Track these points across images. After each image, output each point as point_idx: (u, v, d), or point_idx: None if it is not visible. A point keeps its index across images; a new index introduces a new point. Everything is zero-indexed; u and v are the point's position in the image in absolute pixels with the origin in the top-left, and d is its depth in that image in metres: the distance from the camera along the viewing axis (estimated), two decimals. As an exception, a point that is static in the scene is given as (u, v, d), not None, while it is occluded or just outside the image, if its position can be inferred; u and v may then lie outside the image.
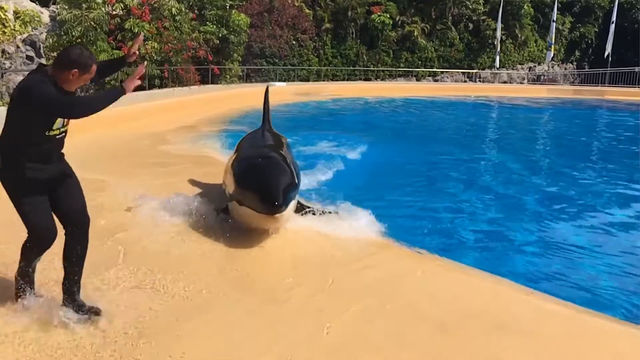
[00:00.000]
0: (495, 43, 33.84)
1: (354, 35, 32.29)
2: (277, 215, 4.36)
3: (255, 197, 4.44)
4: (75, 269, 3.26)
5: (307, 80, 30.48)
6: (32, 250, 3.17)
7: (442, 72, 34.28)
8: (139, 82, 3.21)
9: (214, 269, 4.15)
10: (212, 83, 22.16)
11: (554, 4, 33.77)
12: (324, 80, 30.85)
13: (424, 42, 33.31)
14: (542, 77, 36.60)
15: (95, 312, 3.24)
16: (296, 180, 4.92)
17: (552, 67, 37.81)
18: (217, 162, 8.73)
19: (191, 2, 21.40)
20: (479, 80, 34.58)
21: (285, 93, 23.44)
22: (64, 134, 3.15)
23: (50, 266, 3.55)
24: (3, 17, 17.19)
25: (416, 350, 3.08)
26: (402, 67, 33.22)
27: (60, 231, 3.23)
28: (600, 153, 12.78)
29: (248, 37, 26.06)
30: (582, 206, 7.39)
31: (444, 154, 11.14)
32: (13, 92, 3.07)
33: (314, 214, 5.16)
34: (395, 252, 4.68)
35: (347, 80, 31.77)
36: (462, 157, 10.89)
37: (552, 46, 33.97)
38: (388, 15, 31.80)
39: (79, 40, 15.66)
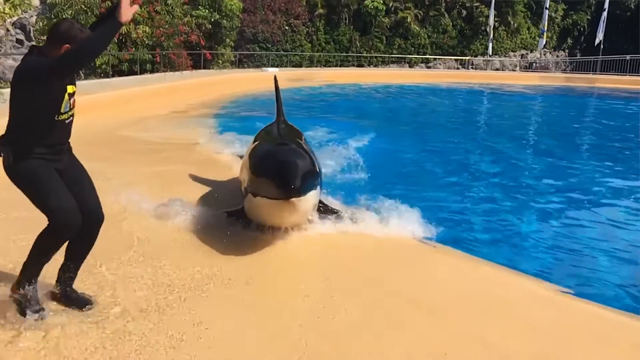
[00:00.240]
0: (488, 30, 33.87)
1: (347, 21, 32.18)
2: (293, 199, 3.89)
3: (268, 182, 4.06)
4: (78, 264, 3.22)
5: (300, 66, 30.40)
6: (53, 239, 2.90)
7: (434, 59, 34.30)
8: (135, 8, 2.91)
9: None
10: (204, 68, 22.07)
11: (547, -9, 33.82)
12: (316, 66, 30.77)
13: (417, 28, 33.26)
14: (534, 65, 36.70)
15: (87, 301, 3.21)
16: (316, 169, 4.51)
17: (544, 55, 37.92)
18: (206, 149, 8.77)
19: (183, -14, 21.22)
20: (472, 68, 34.63)
21: (279, 79, 23.31)
22: (72, 117, 3.03)
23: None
24: (-8, -1, 16.95)
25: (405, 331, 3.18)
26: (395, 54, 33.18)
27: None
28: (590, 142, 12.90)
29: (241, 22, 25.91)
30: (573, 191, 7.46)
31: (439, 141, 11.20)
32: (12, 78, 2.95)
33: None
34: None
35: (340, 66, 31.71)
36: (462, 145, 10.90)
37: (545, 33, 34.03)
38: (381, 1, 31.71)
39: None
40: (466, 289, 3.84)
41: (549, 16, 34.71)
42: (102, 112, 11.29)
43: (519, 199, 6.83)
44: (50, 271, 3.15)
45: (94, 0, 16.44)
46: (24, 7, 17.93)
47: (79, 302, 3.19)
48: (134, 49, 18.09)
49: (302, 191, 3.96)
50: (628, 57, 30.30)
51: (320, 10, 31.25)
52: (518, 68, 36.03)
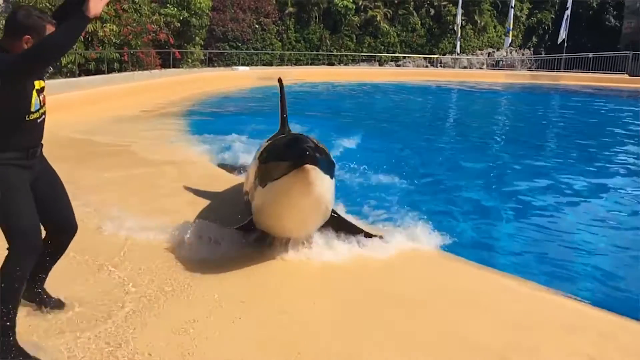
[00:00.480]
0: (456, 29, 34.34)
1: (317, 20, 32.19)
2: (308, 166, 3.39)
3: (280, 156, 3.68)
4: (46, 273, 3.11)
5: (271, 64, 30.29)
6: (23, 261, 2.67)
7: (404, 57, 34.61)
8: (106, 0, 2.66)
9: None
10: (173, 67, 21.83)
11: (513, -10, 34.47)
12: (287, 65, 30.71)
13: (386, 27, 33.51)
14: (501, 63, 37.39)
15: (57, 305, 3.15)
16: (331, 158, 4.07)
17: (510, 53, 38.66)
18: (176, 148, 8.71)
19: (150, -16, 20.94)
20: (440, 66, 35.08)
21: (249, 77, 23.23)
22: (43, 116, 2.80)
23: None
24: (-50, -4, 16.41)
25: (385, 325, 3.23)
26: (365, 52, 33.38)
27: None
28: (555, 140, 13.23)
29: (210, 21, 25.71)
30: (546, 184, 7.63)
31: (414, 139, 11.36)
32: None
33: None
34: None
35: (311, 64, 31.72)
36: (438, 142, 11.10)
37: (510, 32, 34.68)
38: (351, 0, 31.82)
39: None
40: (437, 284, 3.91)
41: (515, 15, 35.38)
42: (68, 112, 11.06)
43: (488, 194, 6.97)
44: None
45: (59, -2, 16.07)
46: (-16, 5, 17.41)
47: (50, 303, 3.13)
48: (101, 47, 17.76)
49: (317, 161, 3.47)
50: (591, 54, 31.14)
51: (290, 9, 31.19)
52: (485, 66, 36.64)
